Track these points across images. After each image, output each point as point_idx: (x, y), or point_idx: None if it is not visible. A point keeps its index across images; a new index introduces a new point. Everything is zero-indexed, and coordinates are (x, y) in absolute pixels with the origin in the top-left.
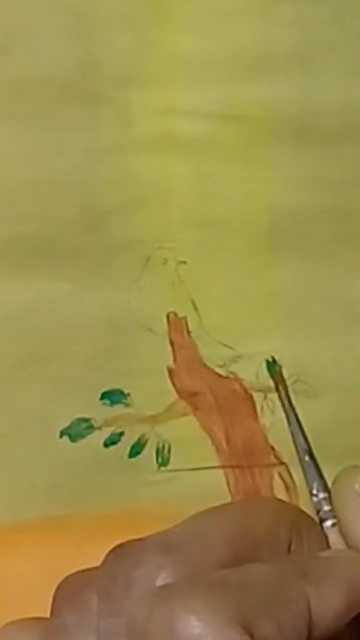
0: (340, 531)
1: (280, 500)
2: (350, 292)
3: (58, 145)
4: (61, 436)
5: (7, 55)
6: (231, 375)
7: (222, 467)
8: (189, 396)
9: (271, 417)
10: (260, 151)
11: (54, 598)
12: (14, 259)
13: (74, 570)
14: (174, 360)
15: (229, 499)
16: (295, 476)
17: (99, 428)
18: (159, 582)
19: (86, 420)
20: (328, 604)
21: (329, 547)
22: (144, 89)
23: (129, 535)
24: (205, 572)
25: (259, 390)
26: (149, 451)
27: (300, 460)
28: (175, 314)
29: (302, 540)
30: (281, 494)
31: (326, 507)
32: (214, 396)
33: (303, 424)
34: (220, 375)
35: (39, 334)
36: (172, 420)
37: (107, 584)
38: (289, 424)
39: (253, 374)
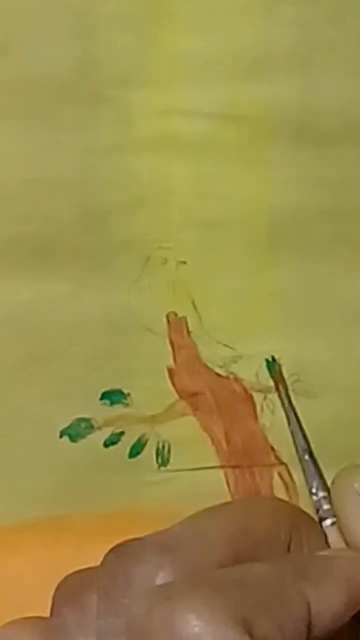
0: (340, 530)
1: (279, 499)
2: (350, 292)
3: (58, 145)
4: (61, 436)
5: (7, 55)
6: (231, 376)
7: (222, 467)
8: (189, 396)
9: (271, 417)
10: (260, 151)
11: (54, 597)
12: (14, 259)
13: (73, 570)
14: (174, 360)
15: (228, 499)
16: (295, 476)
17: (99, 428)
18: (158, 581)
19: (86, 420)
20: (327, 603)
21: (328, 546)
22: (144, 89)
23: (129, 535)
24: (204, 572)
25: (259, 391)
26: (149, 451)
27: (300, 459)
28: (175, 314)
29: (302, 540)
30: (281, 494)
31: (326, 506)
32: (214, 396)
33: (303, 423)
34: (220, 376)
35: (39, 334)
36: (172, 421)
37: (106, 584)
38: (289, 423)
39: (253, 374)
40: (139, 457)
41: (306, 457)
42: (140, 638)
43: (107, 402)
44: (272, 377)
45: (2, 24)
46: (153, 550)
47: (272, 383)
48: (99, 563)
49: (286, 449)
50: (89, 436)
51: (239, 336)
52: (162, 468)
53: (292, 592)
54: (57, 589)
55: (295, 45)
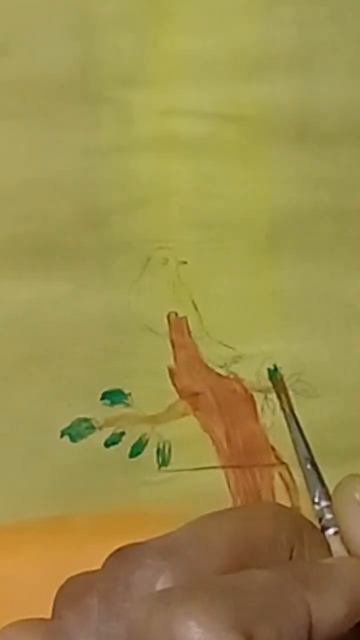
0: (342, 539)
1: (282, 506)
2: (350, 292)
3: (58, 145)
4: (62, 436)
5: (7, 55)
6: (231, 376)
7: (223, 467)
8: (190, 396)
9: (271, 417)
10: (260, 151)
11: (55, 600)
12: (14, 259)
13: (74, 571)
14: (175, 360)
15: (229, 499)
16: (295, 476)
17: (100, 428)
18: (159, 586)
19: (87, 420)
20: (329, 611)
21: (331, 555)
22: (144, 89)
23: (129, 535)
24: (205, 577)
25: (260, 391)
26: (150, 451)
27: (302, 468)
28: (176, 314)
29: (304, 547)
30: (282, 494)
31: (328, 516)
32: (215, 396)
33: (305, 432)
34: (220, 376)
35: (39, 334)
36: (173, 420)
37: (107, 587)
38: (290, 431)
39: (253, 374)
40: (139, 457)
41: (308, 466)
42: None
43: (108, 402)
44: (274, 385)
45: (2, 24)
46: (154, 554)
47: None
48: (99, 563)
49: (287, 449)
50: (90, 436)
51: (239, 336)
52: (163, 468)
53: (293, 599)
54: (59, 592)
55: (295, 45)
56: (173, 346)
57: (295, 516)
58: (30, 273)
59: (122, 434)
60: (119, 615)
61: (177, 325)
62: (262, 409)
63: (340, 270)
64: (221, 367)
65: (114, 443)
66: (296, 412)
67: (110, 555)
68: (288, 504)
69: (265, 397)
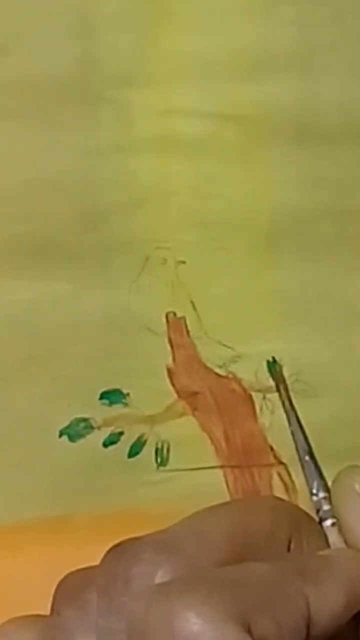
0: (340, 531)
1: (279, 498)
2: (350, 292)
3: (58, 145)
4: (60, 436)
5: (7, 55)
6: (230, 375)
7: (221, 467)
8: (188, 396)
9: (270, 417)
10: (260, 151)
11: (54, 596)
12: (14, 259)
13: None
14: (173, 360)
15: (228, 499)
16: (294, 476)
17: (98, 428)
18: (157, 580)
19: (85, 420)
20: (327, 602)
21: (328, 546)
22: (144, 89)
23: (128, 535)
24: (203, 570)
25: (258, 390)
26: (148, 451)
27: (301, 459)
28: (175, 314)
29: (302, 539)
30: (280, 494)
31: (326, 507)
32: (213, 396)
33: (303, 424)
34: (219, 375)
35: (39, 334)
36: (171, 420)
37: (106, 582)
38: (290, 423)
39: (252, 374)
40: (138, 457)
41: (307, 457)
42: (140, 636)
43: (106, 401)
44: (273, 377)
45: (2, 24)
46: (152, 549)
47: (271, 383)
48: (98, 562)
49: (285, 449)
50: (88, 436)
51: (238, 336)
52: (161, 468)
53: (292, 590)
54: (57, 587)
55: (295, 45)
56: (172, 346)
57: (293, 509)
58: (30, 273)
59: (121, 433)
60: (118, 609)
61: (175, 325)
62: (261, 408)
63: (340, 270)
64: (220, 367)
65: (113, 443)
66: (295, 403)
67: (109, 551)
68: None
69: (264, 397)
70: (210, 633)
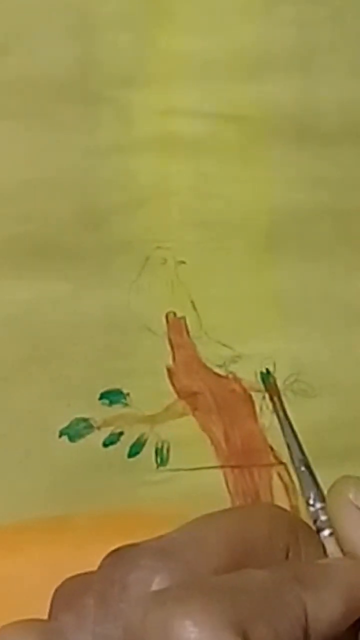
0: (337, 540)
1: (278, 507)
2: (350, 292)
3: (58, 145)
4: (60, 436)
5: (7, 55)
6: (230, 375)
7: (221, 467)
8: (188, 396)
9: (270, 417)
10: (260, 151)
11: (52, 602)
12: (14, 259)
13: (73, 570)
14: (173, 360)
15: (227, 499)
16: (294, 476)
17: (98, 428)
18: (155, 586)
19: (85, 420)
20: (325, 611)
21: (326, 556)
22: (144, 89)
23: (128, 534)
24: (201, 577)
25: (258, 390)
26: (148, 451)
27: (297, 470)
28: (175, 314)
29: (300, 548)
30: (280, 494)
31: (323, 517)
32: (213, 396)
33: (298, 435)
34: (219, 375)
35: (39, 334)
36: (171, 420)
37: (103, 589)
38: (284, 435)
39: (252, 374)
40: (138, 456)
41: (302, 468)
42: None
43: (106, 401)
44: (267, 389)
45: (2, 24)
46: (150, 555)
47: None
48: (98, 563)
49: (285, 449)
50: (88, 436)
51: (238, 336)
52: (161, 468)
53: (290, 598)
54: (55, 593)
55: (295, 45)
56: (172, 346)
57: (291, 517)
58: (30, 273)
59: (121, 433)
60: (115, 616)
61: (175, 325)
62: (261, 408)
63: (340, 270)
64: (220, 366)
65: (113, 443)
66: (289, 414)
67: (106, 557)
68: (286, 504)
69: (264, 397)
70: None
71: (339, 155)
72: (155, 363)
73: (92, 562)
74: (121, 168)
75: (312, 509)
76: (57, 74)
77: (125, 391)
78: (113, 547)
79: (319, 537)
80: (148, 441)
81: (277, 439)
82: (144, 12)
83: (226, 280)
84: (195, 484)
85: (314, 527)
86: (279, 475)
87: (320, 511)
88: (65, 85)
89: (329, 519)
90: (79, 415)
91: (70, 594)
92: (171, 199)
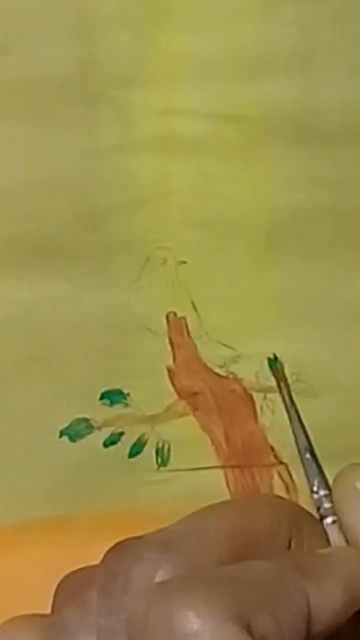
0: (341, 528)
1: (279, 497)
2: (350, 292)
3: (58, 145)
4: (61, 436)
5: (7, 55)
6: (231, 376)
7: (222, 467)
8: (189, 396)
9: (271, 417)
10: (260, 151)
11: (55, 595)
12: (14, 259)
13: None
14: (174, 360)
15: (228, 499)
16: (295, 476)
17: (99, 428)
18: (158, 579)
19: (86, 420)
20: (327, 601)
21: (329, 544)
22: (144, 89)
23: (129, 534)
24: (203, 569)
25: (259, 391)
26: (149, 451)
27: (301, 457)
28: (175, 314)
29: (302, 537)
30: (281, 494)
31: (327, 505)
32: (214, 396)
33: (304, 422)
34: (219, 376)
35: (39, 334)
36: (172, 420)
37: (106, 582)
38: (290, 421)
39: (253, 374)
40: (138, 457)
41: (307, 455)
42: (140, 635)
43: (107, 402)
44: (274, 375)
45: (2, 24)
46: (152, 547)
47: (272, 382)
48: (99, 562)
49: (286, 449)
50: (89, 436)
51: (238, 336)
52: (162, 468)
53: (292, 589)
54: (58, 587)
55: (295, 45)
56: (172, 346)
57: (293, 507)
58: (30, 273)
59: (121, 434)
60: (118, 609)
61: (176, 325)
62: (262, 408)
63: (340, 270)
64: (220, 367)
65: (113, 443)
66: (296, 400)
67: (109, 550)
68: None
69: (265, 397)
70: (210, 632)
71: (339, 155)
72: (156, 363)
73: (92, 561)
74: (121, 168)
75: (315, 496)
76: (57, 74)
77: (125, 391)
78: None
79: (322, 525)
80: (149, 441)
81: (277, 439)
82: (144, 12)
83: (226, 280)
84: (196, 484)
85: (317, 515)
86: (280, 475)
87: (324, 498)
88: (65, 85)
89: (332, 507)
90: (79, 416)
91: (73, 587)
92: (171, 199)
